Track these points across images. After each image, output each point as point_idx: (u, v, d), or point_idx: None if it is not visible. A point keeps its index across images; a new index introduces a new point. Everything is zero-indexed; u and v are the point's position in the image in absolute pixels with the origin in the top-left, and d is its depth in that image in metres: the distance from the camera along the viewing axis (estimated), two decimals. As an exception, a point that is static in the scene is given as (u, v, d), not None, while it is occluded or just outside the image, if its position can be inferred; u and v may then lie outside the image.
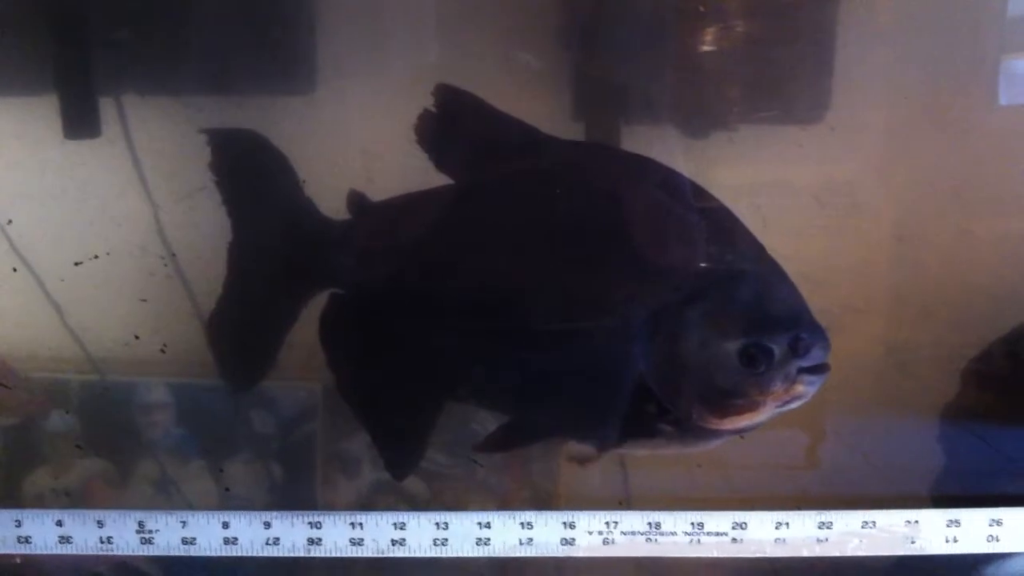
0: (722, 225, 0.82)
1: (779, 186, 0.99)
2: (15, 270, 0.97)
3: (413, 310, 0.87)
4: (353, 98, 0.98)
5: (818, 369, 0.78)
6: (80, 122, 0.97)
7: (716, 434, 0.82)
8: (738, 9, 0.96)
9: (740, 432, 0.82)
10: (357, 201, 0.90)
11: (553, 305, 0.82)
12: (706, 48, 0.96)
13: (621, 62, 0.99)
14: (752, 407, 0.79)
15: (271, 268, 0.93)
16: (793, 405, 0.80)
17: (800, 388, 0.78)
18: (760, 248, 0.81)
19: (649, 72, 0.99)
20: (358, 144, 0.95)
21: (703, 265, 0.80)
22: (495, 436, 0.89)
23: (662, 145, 0.98)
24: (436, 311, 0.86)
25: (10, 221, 0.97)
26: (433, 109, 0.84)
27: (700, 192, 0.84)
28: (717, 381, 0.78)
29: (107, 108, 0.97)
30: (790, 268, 0.97)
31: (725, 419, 0.80)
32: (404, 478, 0.97)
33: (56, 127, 0.96)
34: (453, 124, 0.85)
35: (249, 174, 0.93)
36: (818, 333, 0.78)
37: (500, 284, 0.83)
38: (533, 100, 0.99)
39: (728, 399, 0.78)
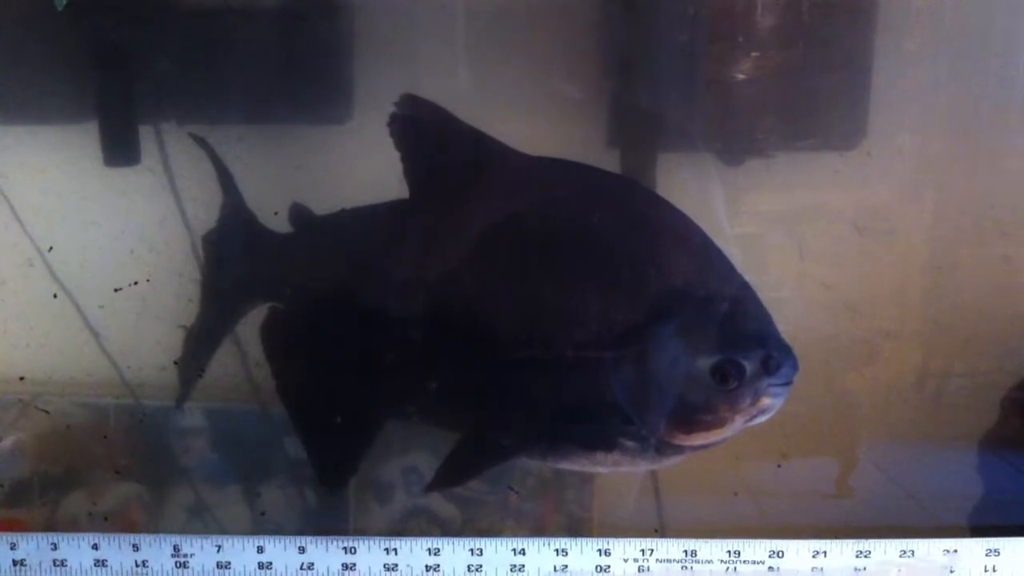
0: (694, 242, 0.83)
1: (816, 212, 0.99)
2: (55, 296, 0.98)
3: (354, 325, 0.87)
4: (389, 126, 0.99)
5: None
6: (120, 150, 0.98)
7: (679, 450, 0.82)
8: (774, 38, 0.96)
9: (704, 448, 0.82)
10: (299, 214, 0.91)
11: (516, 320, 0.82)
12: (742, 76, 0.96)
13: (657, 90, 0.99)
14: (720, 423, 0.79)
15: (210, 279, 0.95)
16: (759, 420, 0.80)
17: (766, 401, 0.79)
18: (731, 266, 0.82)
19: (685, 100, 0.99)
20: (394, 171, 0.95)
21: (675, 282, 0.80)
22: (446, 470, 0.87)
23: (698, 172, 0.98)
24: (382, 327, 0.85)
25: (51, 248, 0.98)
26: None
27: (666, 206, 0.84)
28: (687, 397, 0.79)
29: (147, 136, 0.98)
30: (827, 295, 0.97)
31: (692, 435, 0.80)
32: (336, 492, 0.97)
33: (96, 155, 0.97)
34: (414, 134, 0.85)
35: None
36: (786, 351, 0.79)
37: (457, 298, 0.83)
38: (569, 128, 0.99)
39: (697, 415, 0.79)
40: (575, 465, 0.86)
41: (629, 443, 0.81)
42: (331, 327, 0.89)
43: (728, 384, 0.78)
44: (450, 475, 0.89)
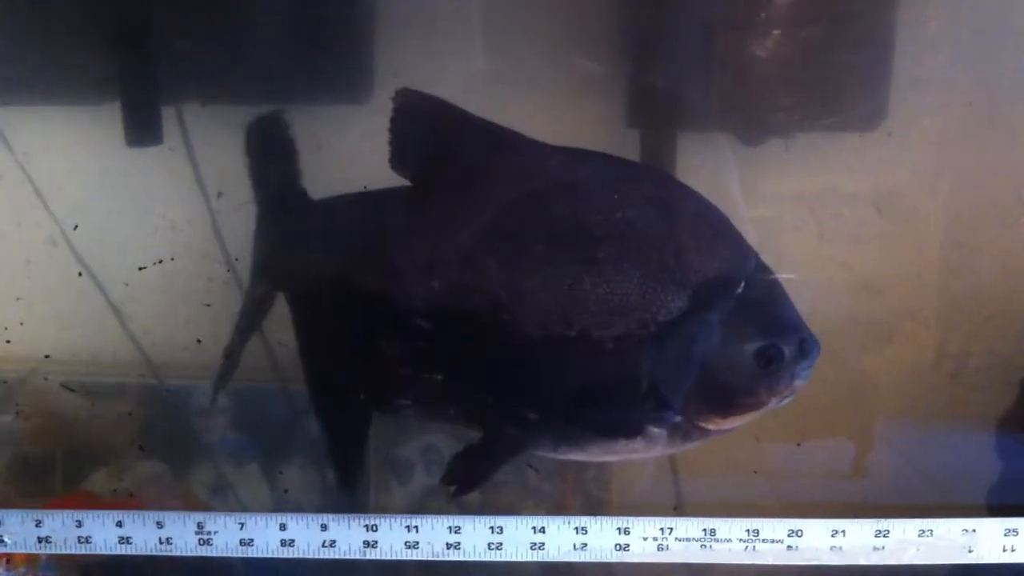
0: (723, 230, 0.83)
1: (835, 193, 0.99)
2: (80, 275, 0.99)
3: (357, 313, 0.86)
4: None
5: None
6: (142, 130, 0.98)
7: (704, 434, 0.83)
8: (796, 16, 0.95)
9: (727, 431, 0.83)
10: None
11: (548, 310, 0.80)
12: (763, 55, 0.95)
13: (676, 69, 0.99)
14: (758, 406, 0.81)
15: (269, 259, 0.93)
16: (786, 402, 0.81)
17: (797, 383, 0.81)
18: (756, 254, 0.82)
19: (705, 79, 0.99)
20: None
21: (714, 270, 0.80)
22: (460, 469, 0.86)
23: (716, 153, 0.98)
24: (397, 316, 0.84)
25: (76, 227, 0.98)
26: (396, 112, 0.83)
27: (697, 197, 0.84)
28: (729, 380, 0.80)
29: (169, 116, 0.99)
30: (846, 275, 0.97)
31: (729, 418, 0.81)
32: (352, 491, 0.95)
33: (119, 135, 0.97)
34: (416, 126, 0.83)
35: (259, 160, 0.93)
36: (812, 335, 0.81)
37: (479, 288, 0.82)
38: (588, 107, 0.99)
39: (738, 398, 0.80)
40: (588, 455, 0.86)
41: (655, 430, 0.82)
42: (342, 312, 0.88)
43: (770, 368, 0.79)
44: (467, 475, 0.87)
